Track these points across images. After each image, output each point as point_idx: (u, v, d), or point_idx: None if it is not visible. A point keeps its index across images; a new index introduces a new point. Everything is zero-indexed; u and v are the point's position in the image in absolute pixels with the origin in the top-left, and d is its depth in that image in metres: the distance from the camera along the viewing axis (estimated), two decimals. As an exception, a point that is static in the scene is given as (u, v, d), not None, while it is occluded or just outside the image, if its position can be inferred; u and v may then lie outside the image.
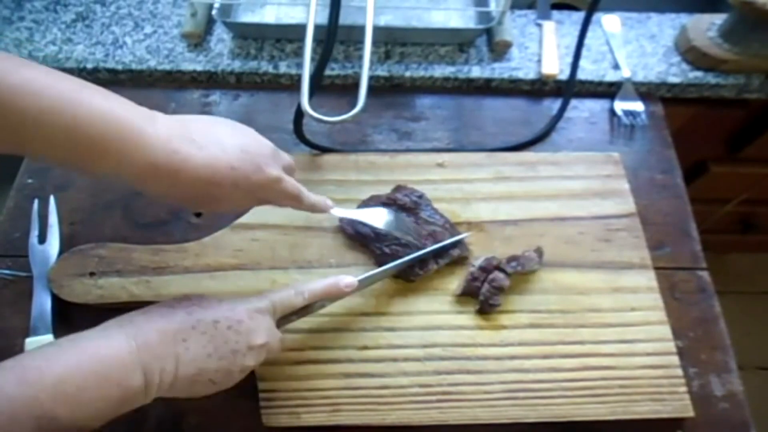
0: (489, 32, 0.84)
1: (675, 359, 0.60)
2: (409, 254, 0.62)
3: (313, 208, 0.56)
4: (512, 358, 0.60)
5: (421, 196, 0.66)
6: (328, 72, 0.79)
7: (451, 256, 0.64)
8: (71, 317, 0.61)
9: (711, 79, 0.81)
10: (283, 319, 0.54)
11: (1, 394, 0.38)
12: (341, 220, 0.65)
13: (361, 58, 0.79)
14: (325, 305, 0.57)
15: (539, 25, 0.86)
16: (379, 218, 0.62)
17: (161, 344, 0.45)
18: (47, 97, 0.42)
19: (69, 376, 0.40)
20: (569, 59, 0.79)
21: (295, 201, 0.54)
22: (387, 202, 0.65)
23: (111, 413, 0.42)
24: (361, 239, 0.64)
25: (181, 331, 0.46)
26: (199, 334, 0.47)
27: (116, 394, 0.42)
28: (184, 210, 0.69)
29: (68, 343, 0.43)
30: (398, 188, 0.67)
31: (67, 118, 0.42)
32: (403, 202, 0.65)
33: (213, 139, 0.48)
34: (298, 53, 0.81)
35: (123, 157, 0.44)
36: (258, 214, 0.65)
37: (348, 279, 0.56)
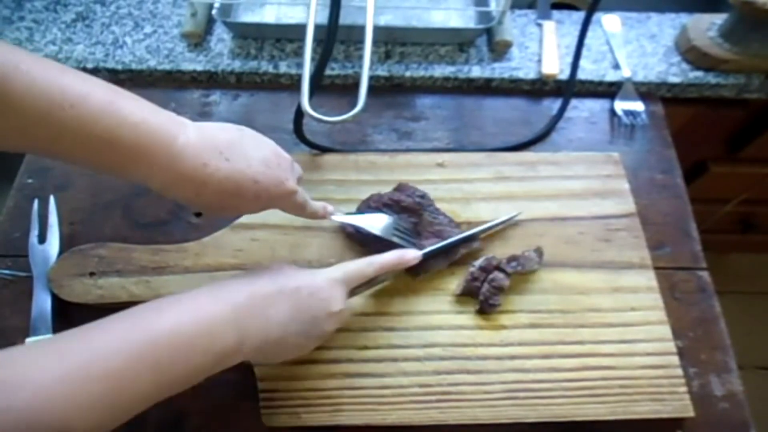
0: (489, 32, 0.84)
1: (675, 359, 0.60)
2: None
3: (314, 216, 0.58)
4: (512, 358, 0.60)
5: (423, 196, 0.66)
6: (328, 72, 0.79)
7: (470, 248, 0.65)
8: (71, 317, 0.61)
9: (711, 78, 0.81)
10: (353, 290, 0.57)
11: (118, 341, 0.41)
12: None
13: (361, 57, 0.79)
14: (386, 280, 0.62)
15: (539, 25, 0.86)
16: (377, 224, 0.63)
17: (252, 306, 0.48)
18: (85, 107, 0.43)
19: (176, 334, 0.43)
20: (569, 59, 0.79)
21: (300, 210, 0.56)
22: (389, 203, 0.65)
23: (208, 371, 0.45)
24: (360, 238, 0.64)
25: (269, 296, 0.50)
26: (285, 299, 0.50)
27: (214, 352, 0.45)
28: (184, 210, 0.69)
29: (167, 305, 0.46)
30: (400, 187, 0.67)
31: (102, 128, 0.44)
32: (406, 204, 0.65)
33: (239, 152, 0.49)
34: (298, 53, 0.81)
35: (154, 166, 0.46)
36: (258, 214, 0.65)
37: (413, 252, 0.60)
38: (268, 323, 0.49)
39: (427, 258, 0.62)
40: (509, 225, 0.67)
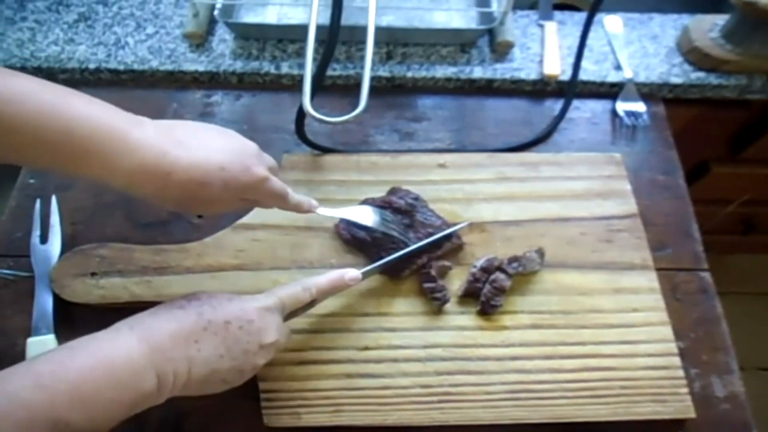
0: (491, 33, 0.84)
1: (676, 360, 0.60)
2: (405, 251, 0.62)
3: (298, 208, 0.57)
4: (513, 358, 0.60)
5: (416, 198, 0.66)
6: (329, 72, 0.79)
7: (446, 249, 0.64)
8: (73, 317, 0.61)
9: (713, 79, 0.81)
10: (290, 314, 0.55)
11: (17, 399, 0.37)
12: (337, 225, 0.65)
13: (362, 58, 0.79)
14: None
15: (541, 26, 0.86)
16: (365, 216, 0.63)
17: (174, 347, 0.45)
18: (33, 104, 0.43)
19: (83, 381, 0.40)
20: (571, 60, 0.79)
21: (281, 201, 0.55)
22: (382, 205, 0.65)
23: (123, 415, 0.42)
24: (357, 244, 0.64)
25: (193, 333, 0.46)
26: (211, 335, 0.47)
27: (130, 396, 0.42)
28: (186, 210, 0.69)
29: (80, 347, 0.43)
30: (393, 190, 0.67)
31: (53, 125, 0.43)
32: (399, 206, 0.65)
33: (200, 142, 0.49)
34: (300, 54, 0.81)
35: (111, 160, 0.45)
36: (259, 214, 0.65)
37: (352, 272, 0.57)
38: (194, 362, 0.45)
39: (411, 256, 0.62)
40: (510, 225, 0.67)
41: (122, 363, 0.42)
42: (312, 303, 0.56)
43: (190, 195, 0.48)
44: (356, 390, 0.58)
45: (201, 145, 0.48)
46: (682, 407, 0.58)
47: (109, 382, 0.41)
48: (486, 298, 0.61)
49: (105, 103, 0.47)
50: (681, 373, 0.59)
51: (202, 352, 0.46)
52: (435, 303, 0.61)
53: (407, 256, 0.62)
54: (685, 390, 0.58)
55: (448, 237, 0.64)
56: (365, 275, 0.59)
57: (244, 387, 0.57)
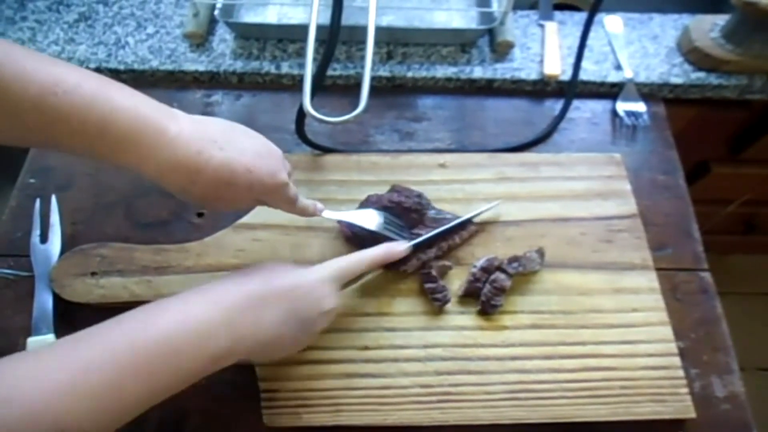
0: (491, 33, 0.84)
1: (676, 360, 0.60)
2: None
3: (304, 212, 0.58)
4: (513, 358, 0.60)
5: (419, 195, 0.66)
6: (330, 72, 0.79)
7: (470, 232, 0.66)
8: (73, 317, 0.61)
9: (713, 79, 0.81)
10: (344, 285, 0.57)
11: (108, 353, 0.40)
12: (340, 223, 0.65)
13: (363, 58, 0.79)
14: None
15: (541, 26, 0.86)
16: (369, 220, 0.63)
17: (245, 309, 0.48)
18: (78, 96, 0.44)
19: (166, 342, 0.43)
20: (571, 60, 0.79)
21: (290, 205, 0.56)
22: (389, 205, 0.65)
23: (201, 374, 0.45)
24: (358, 241, 0.64)
25: (262, 297, 0.49)
26: (276, 301, 0.50)
27: (206, 356, 0.44)
28: (186, 210, 0.69)
29: (156, 310, 0.45)
30: (396, 188, 0.67)
31: (93, 117, 0.44)
32: (408, 205, 0.65)
33: (233, 142, 0.50)
34: (300, 53, 0.81)
35: (147, 152, 0.46)
36: (259, 214, 0.65)
37: (402, 245, 0.61)
38: (261, 325, 0.48)
39: (415, 250, 0.63)
40: (511, 226, 0.67)
41: (198, 324, 0.45)
42: (363, 274, 0.60)
43: (215, 193, 0.50)
44: (356, 390, 0.58)
45: (233, 146, 0.50)
46: (682, 407, 0.58)
47: (188, 343, 0.43)
48: (486, 298, 0.61)
49: (144, 96, 0.48)
50: (681, 373, 0.59)
51: (269, 317, 0.49)
52: (436, 303, 0.61)
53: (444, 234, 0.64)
54: (685, 390, 0.58)
55: (467, 223, 0.65)
56: (415, 247, 0.62)
57: (244, 387, 0.58)
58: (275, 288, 0.50)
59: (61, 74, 0.44)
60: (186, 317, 0.45)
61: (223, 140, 0.49)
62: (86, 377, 0.38)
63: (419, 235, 0.64)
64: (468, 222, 0.66)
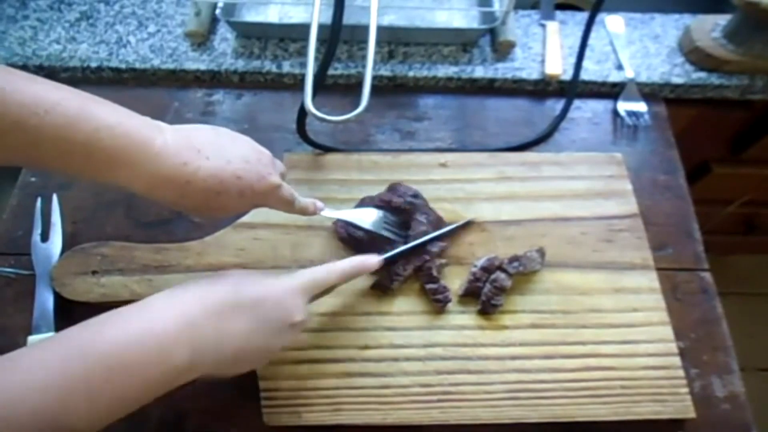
0: (492, 32, 0.84)
1: (677, 360, 0.60)
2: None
3: (304, 212, 0.58)
4: (514, 358, 0.60)
5: (416, 195, 0.66)
6: (331, 71, 0.79)
7: (441, 248, 0.64)
8: (73, 316, 0.60)
9: (714, 79, 0.81)
10: (313, 297, 0.55)
11: (52, 369, 0.38)
12: (335, 223, 0.66)
13: (364, 57, 0.79)
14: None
15: (543, 26, 0.86)
16: (367, 218, 0.63)
17: (207, 321, 0.45)
18: (60, 113, 0.43)
19: (117, 352, 0.40)
20: (572, 59, 0.78)
21: (288, 206, 0.56)
22: (380, 204, 0.65)
23: (156, 391, 0.42)
24: (354, 243, 0.64)
25: (226, 309, 0.47)
26: (243, 311, 0.47)
27: (163, 371, 0.42)
28: (187, 209, 0.69)
29: (115, 317, 0.43)
30: (392, 187, 0.67)
31: (79, 133, 0.44)
32: (398, 204, 0.65)
33: (218, 151, 0.49)
34: (302, 53, 0.81)
35: (134, 169, 0.46)
36: (260, 213, 0.65)
37: (374, 258, 0.59)
38: (225, 337, 0.46)
39: (393, 264, 0.62)
40: (511, 225, 0.67)
41: (156, 337, 0.42)
42: (333, 287, 0.56)
43: (207, 203, 0.49)
44: (356, 389, 0.58)
45: (219, 154, 0.49)
46: (682, 407, 0.58)
47: (142, 356, 0.41)
48: (486, 297, 0.61)
49: (127, 111, 0.47)
50: (681, 373, 0.59)
51: (234, 328, 0.46)
52: (437, 304, 0.61)
53: (408, 252, 0.62)
54: (685, 390, 0.58)
55: (441, 237, 0.64)
56: (386, 261, 0.60)
57: (244, 386, 0.58)
58: (242, 298, 0.48)
59: (39, 92, 0.43)
60: (145, 329, 0.42)
61: (209, 149, 0.48)
62: (30, 390, 0.37)
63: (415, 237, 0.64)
64: (438, 238, 0.65)
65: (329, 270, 0.55)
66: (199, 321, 0.45)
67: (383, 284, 0.62)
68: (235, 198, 0.49)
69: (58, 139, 0.43)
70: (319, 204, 0.60)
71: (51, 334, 0.59)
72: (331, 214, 0.62)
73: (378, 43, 0.78)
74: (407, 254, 0.63)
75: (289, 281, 0.52)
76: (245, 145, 0.52)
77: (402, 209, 0.65)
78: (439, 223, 0.65)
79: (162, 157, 0.46)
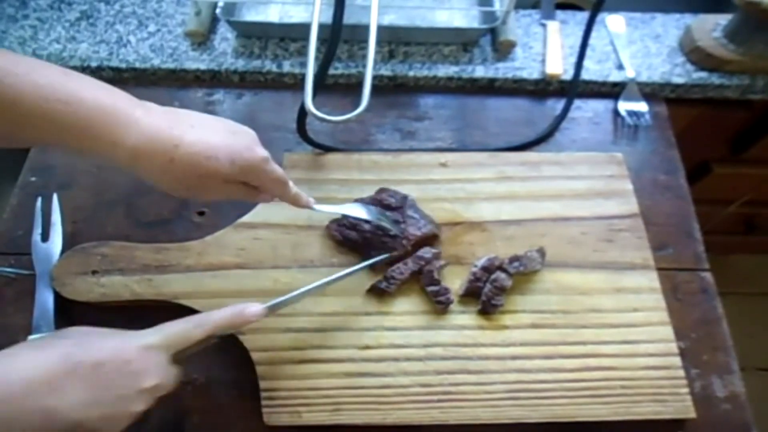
0: (493, 32, 0.84)
1: (677, 360, 0.60)
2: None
3: (297, 200, 0.57)
4: (514, 358, 0.60)
5: (404, 198, 0.66)
6: (331, 71, 0.79)
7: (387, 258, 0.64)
8: (73, 315, 0.61)
9: (715, 79, 0.81)
10: (181, 352, 0.48)
11: None
12: (329, 226, 0.65)
13: (364, 57, 0.79)
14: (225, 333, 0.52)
15: (543, 25, 0.86)
16: (360, 212, 0.63)
17: (28, 397, 0.39)
18: (35, 76, 0.43)
19: None
20: (573, 59, 0.78)
21: (282, 186, 0.54)
22: (371, 203, 0.65)
23: None
24: (349, 244, 0.64)
25: (56, 379, 0.40)
26: (78, 380, 0.41)
27: None
28: (187, 209, 0.69)
29: None
30: (381, 190, 0.67)
31: (57, 95, 0.43)
32: (389, 203, 0.65)
33: (204, 122, 0.50)
34: (302, 52, 0.81)
35: (117, 133, 0.45)
36: (260, 213, 0.65)
37: (254, 307, 0.51)
38: (53, 414, 0.39)
39: (390, 267, 0.62)
40: (511, 225, 0.67)
41: None
42: (209, 338, 0.49)
43: (196, 171, 0.47)
44: (356, 389, 0.58)
45: (205, 125, 0.50)
46: (682, 407, 0.58)
47: None
48: (487, 297, 0.61)
49: (104, 84, 0.48)
50: (681, 373, 0.59)
51: (66, 402, 0.40)
52: (439, 306, 0.61)
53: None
54: (686, 390, 0.58)
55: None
56: (270, 309, 0.52)
57: (244, 386, 0.58)
58: (77, 365, 0.41)
59: (17, 60, 0.43)
60: None
61: (193, 120, 0.49)
62: None
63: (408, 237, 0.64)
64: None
65: (199, 323, 0.48)
66: (17, 398, 0.39)
67: (379, 288, 0.62)
68: (226, 165, 0.48)
69: (35, 100, 0.43)
70: (311, 199, 0.58)
71: (51, 333, 0.59)
72: (324, 208, 0.61)
73: (378, 42, 0.78)
74: (397, 260, 0.63)
75: (142, 339, 0.46)
76: (228, 122, 0.52)
77: (393, 207, 0.65)
78: (426, 226, 0.65)
79: (147, 122, 0.46)
